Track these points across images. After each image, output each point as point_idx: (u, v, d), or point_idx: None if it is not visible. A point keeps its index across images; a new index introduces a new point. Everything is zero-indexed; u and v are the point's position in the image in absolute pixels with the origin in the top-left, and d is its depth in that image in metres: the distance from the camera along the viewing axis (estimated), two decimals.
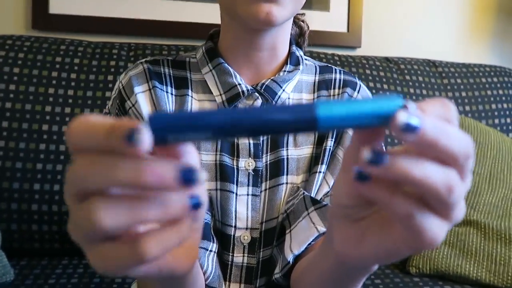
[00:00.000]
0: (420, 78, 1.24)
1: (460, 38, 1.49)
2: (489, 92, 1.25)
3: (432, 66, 1.27)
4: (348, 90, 0.58)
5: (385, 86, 1.19)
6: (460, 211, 0.25)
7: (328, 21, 1.37)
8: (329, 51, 1.28)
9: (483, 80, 1.27)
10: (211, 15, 1.28)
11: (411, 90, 1.21)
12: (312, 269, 0.40)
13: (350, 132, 0.55)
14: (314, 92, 0.58)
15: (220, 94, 0.55)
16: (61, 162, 1.00)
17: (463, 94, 1.24)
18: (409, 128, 0.22)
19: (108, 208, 0.21)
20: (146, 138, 0.20)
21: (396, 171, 0.22)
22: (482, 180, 1.04)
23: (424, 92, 1.22)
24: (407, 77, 1.23)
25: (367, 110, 0.23)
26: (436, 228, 0.24)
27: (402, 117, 0.22)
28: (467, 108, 1.22)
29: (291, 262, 0.48)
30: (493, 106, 1.24)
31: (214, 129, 0.22)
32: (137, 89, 0.53)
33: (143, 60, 0.57)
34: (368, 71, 1.20)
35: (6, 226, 0.98)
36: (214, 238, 0.53)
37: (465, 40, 1.49)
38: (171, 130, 0.22)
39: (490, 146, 1.10)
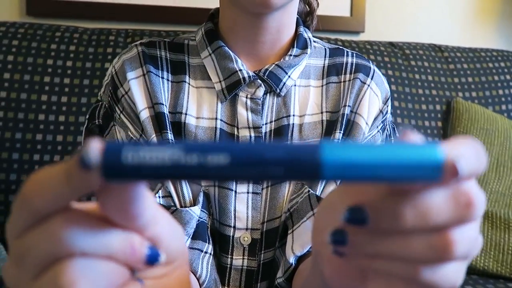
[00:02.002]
0: (426, 64, 1.20)
1: (466, 22, 1.45)
2: (496, 78, 1.22)
3: (438, 50, 1.24)
4: (360, 75, 0.53)
5: (390, 72, 1.16)
6: (475, 249, 0.21)
7: (330, 5, 1.34)
8: (332, 36, 1.24)
9: (490, 65, 1.23)
10: (210, 0, 1.24)
11: (416, 76, 1.18)
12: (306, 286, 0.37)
13: (362, 122, 0.51)
14: (323, 78, 0.54)
15: (220, 81, 0.51)
16: (58, 153, 0.97)
17: (470, 79, 1.21)
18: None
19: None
20: (95, 156, 0.17)
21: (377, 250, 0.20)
22: (489, 168, 1.02)
23: (430, 77, 1.19)
24: (412, 63, 1.20)
25: (394, 156, 0.18)
26: (452, 273, 0.21)
27: (463, 167, 0.18)
28: (474, 94, 1.19)
29: (293, 264, 0.45)
30: (500, 91, 1.21)
31: (175, 174, 0.17)
32: (130, 74, 0.50)
33: (138, 42, 0.53)
34: (372, 57, 1.17)
35: (4, 218, 0.96)
36: (210, 239, 0.49)
37: (471, 24, 1.45)
38: (125, 174, 0.17)
39: (497, 133, 1.08)
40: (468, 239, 0.20)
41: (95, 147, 0.17)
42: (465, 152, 0.19)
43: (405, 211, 0.20)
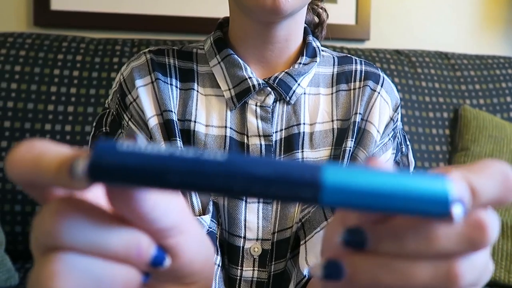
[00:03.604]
0: (432, 71, 1.20)
1: (472, 29, 1.44)
2: (503, 85, 1.21)
3: (444, 58, 1.24)
4: (370, 83, 0.53)
5: (396, 80, 1.16)
6: (486, 276, 0.20)
7: (335, 13, 1.34)
8: (337, 44, 1.24)
9: (497, 72, 1.23)
10: (217, 9, 1.24)
11: (423, 83, 1.18)
12: None
13: (373, 130, 0.50)
14: (332, 86, 0.53)
15: (229, 89, 0.51)
16: None
17: (477, 86, 1.20)
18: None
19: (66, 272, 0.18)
20: (81, 173, 0.16)
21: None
22: None
23: (437, 85, 1.18)
24: (419, 70, 1.19)
25: (399, 187, 0.16)
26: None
27: (458, 211, 0.17)
28: (481, 101, 1.19)
29: (307, 276, 0.44)
30: (508, 99, 1.20)
31: (173, 182, 0.16)
32: (139, 82, 0.49)
33: (147, 49, 0.53)
34: (378, 64, 1.17)
35: (10, 228, 0.96)
36: (219, 250, 0.48)
37: (477, 31, 1.45)
38: (114, 176, 0.16)
39: (506, 140, 1.07)
40: (478, 268, 0.19)
41: (83, 156, 0.16)
42: (480, 182, 0.18)
43: (407, 234, 0.18)
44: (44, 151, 0.18)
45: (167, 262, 0.20)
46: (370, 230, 0.19)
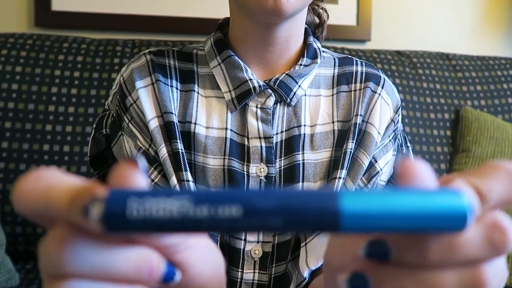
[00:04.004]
0: (434, 72, 1.20)
1: (473, 30, 1.44)
2: (505, 86, 1.21)
3: (445, 59, 1.23)
4: (371, 84, 0.53)
5: (397, 81, 1.15)
6: (503, 283, 0.19)
7: (336, 13, 1.34)
8: (338, 45, 1.24)
9: (499, 73, 1.22)
10: (218, 9, 1.24)
11: (424, 84, 1.17)
12: None
13: (373, 131, 0.50)
14: (333, 87, 0.53)
15: (229, 91, 0.50)
16: (65, 163, 0.97)
17: (478, 88, 1.20)
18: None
19: None
20: (96, 219, 0.16)
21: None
22: None
23: (438, 86, 1.18)
24: (420, 71, 1.19)
25: (417, 208, 0.16)
26: None
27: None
28: (483, 102, 1.18)
29: (307, 278, 0.44)
30: (510, 100, 1.19)
31: (184, 227, 0.16)
32: (139, 83, 0.49)
33: (147, 51, 0.53)
34: (379, 65, 1.16)
35: (11, 229, 0.96)
36: (220, 253, 0.48)
37: (478, 32, 1.45)
38: (129, 229, 0.16)
39: (508, 141, 1.06)
40: (500, 274, 0.19)
41: (99, 199, 0.16)
42: (487, 185, 0.18)
43: (429, 244, 0.18)
44: (54, 184, 0.17)
45: (178, 277, 0.20)
46: (393, 242, 0.19)
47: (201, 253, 0.21)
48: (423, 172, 0.18)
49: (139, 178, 0.17)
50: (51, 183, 0.18)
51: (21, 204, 0.18)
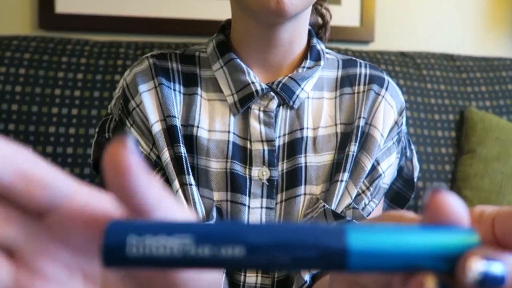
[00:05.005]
0: (438, 73, 1.19)
1: (477, 30, 1.43)
2: (510, 87, 1.20)
3: (450, 59, 1.23)
4: (375, 87, 0.52)
5: (401, 82, 1.15)
6: None
7: (340, 14, 1.33)
8: (342, 46, 1.23)
9: (504, 74, 1.22)
10: (221, 11, 1.24)
11: (428, 85, 1.17)
12: None
13: (376, 134, 0.50)
14: (336, 90, 0.53)
15: (232, 94, 0.50)
16: (68, 165, 0.97)
17: (483, 88, 1.19)
18: (487, 281, 0.15)
19: None
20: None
21: None
22: (506, 180, 1.00)
23: (442, 87, 1.17)
24: (424, 72, 1.18)
25: (423, 246, 0.16)
26: None
27: (476, 265, 0.15)
28: (487, 103, 1.17)
29: (308, 282, 0.44)
30: None
31: (184, 264, 0.15)
32: (142, 87, 0.49)
33: (149, 54, 0.52)
34: (383, 66, 1.16)
35: None
36: None
37: (482, 32, 1.44)
38: (127, 264, 0.15)
39: None
40: None
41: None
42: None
43: None
44: None
45: None
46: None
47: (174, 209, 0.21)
48: (456, 210, 0.17)
49: (131, 156, 0.16)
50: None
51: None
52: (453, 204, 0.17)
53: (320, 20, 0.60)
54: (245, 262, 0.15)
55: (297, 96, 0.50)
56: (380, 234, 0.16)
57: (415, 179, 0.56)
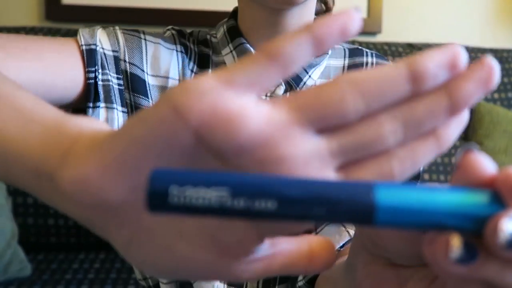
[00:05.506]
0: None
1: (486, 21, 1.41)
2: None
3: None
4: None
5: None
6: None
7: (347, 5, 1.32)
8: None
9: None
10: (228, 2, 1.24)
11: None
12: None
13: None
14: None
15: None
16: None
17: None
18: None
19: None
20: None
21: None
22: None
23: None
24: None
25: (450, 204, 0.16)
26: None
27: (508, 226, 0.15)
28: (496, 95, 1.16)
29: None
30: None
31: (220, 214, 0.17)
32: (171, 46, 0.51)
33: (170, 27, 0.54)
34: (390, 58, 1.15)
35: (23, 220, 0.97)
36: None
37: (491, 23, 1.42)
38: (169, 210, 0.16)
39: None
40: None
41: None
42: None
43: None
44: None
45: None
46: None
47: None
48: (487, 170, 0.17)
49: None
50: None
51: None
52: (484, 164, 0.17)
53: (323, 7, 0.60)
54: (278, 214, 0.16)
55: (304, 83, 0.50)
56: (408, 191, 0.16)
57: (421, 171, 0.56)
